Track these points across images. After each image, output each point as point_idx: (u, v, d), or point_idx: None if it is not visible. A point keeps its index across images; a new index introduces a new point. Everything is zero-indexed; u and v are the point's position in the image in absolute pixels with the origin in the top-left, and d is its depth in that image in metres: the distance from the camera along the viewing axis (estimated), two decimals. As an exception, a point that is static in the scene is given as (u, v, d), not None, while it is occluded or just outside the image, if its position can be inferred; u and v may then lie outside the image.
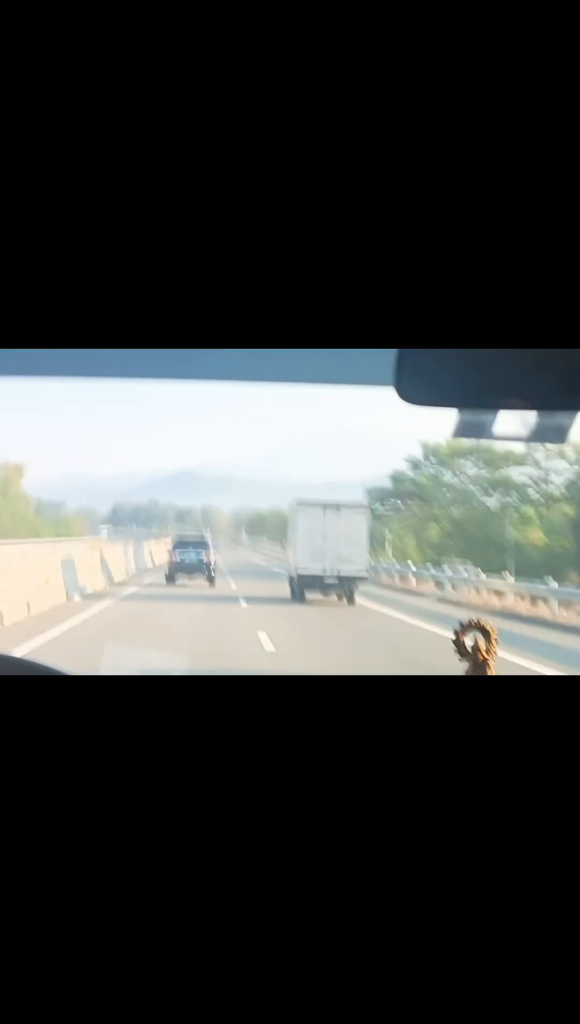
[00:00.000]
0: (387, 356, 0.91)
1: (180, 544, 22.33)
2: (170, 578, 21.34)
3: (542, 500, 26.59)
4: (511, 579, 19.58)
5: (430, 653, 9.90)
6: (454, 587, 20.72)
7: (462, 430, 1.02)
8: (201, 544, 22.36)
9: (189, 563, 21.43)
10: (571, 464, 25.96)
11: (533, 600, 17.61)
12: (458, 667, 1.41)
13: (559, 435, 1.03)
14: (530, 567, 21.50)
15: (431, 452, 28.75)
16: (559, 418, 1.01)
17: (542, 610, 16.70)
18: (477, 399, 0.96)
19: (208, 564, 21.32)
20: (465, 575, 21.53)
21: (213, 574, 21.22)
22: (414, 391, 0.93)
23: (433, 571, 22.90)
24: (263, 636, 12.47)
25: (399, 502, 30.19)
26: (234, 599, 18.75)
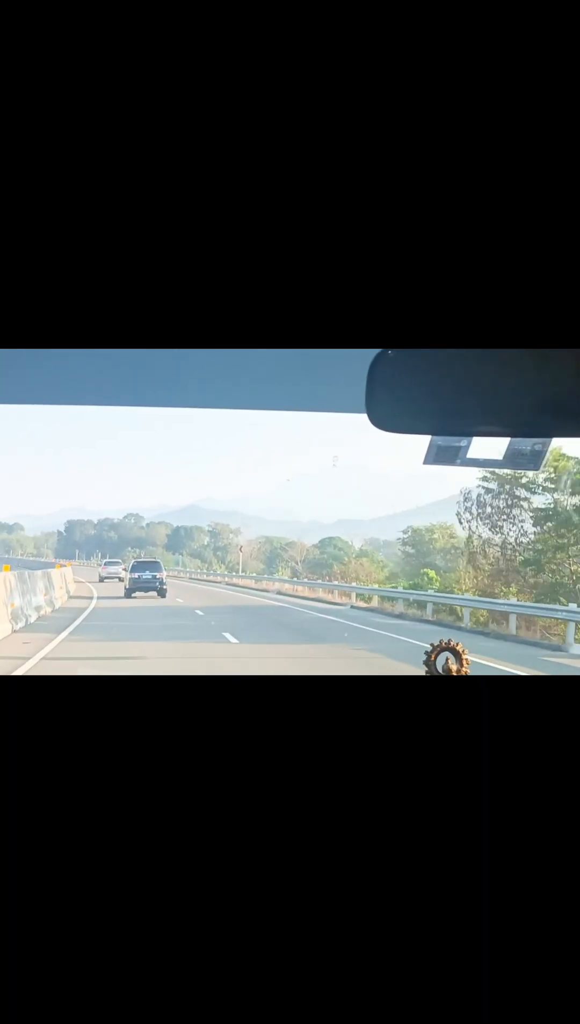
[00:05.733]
0: (360, 383, 0.89)
1: (137, 567, 27.32)
2: (128, 593, 25.69)
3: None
4: None
5: None
6: None
7: (435, 456, 1.00)
8: (155, 567, 27.19)
9: (144, 581, 26.07)
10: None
11: None
12: None
13: (534, 461, 1.01)
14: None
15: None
16: (534, 444, 0.99)
17: None
18: (451, 426, 0.94)
19: (161, 581, 26.08)
20: None
21: (164, 588, 25.91)
22: (387, 417, 0.91)
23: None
24: None
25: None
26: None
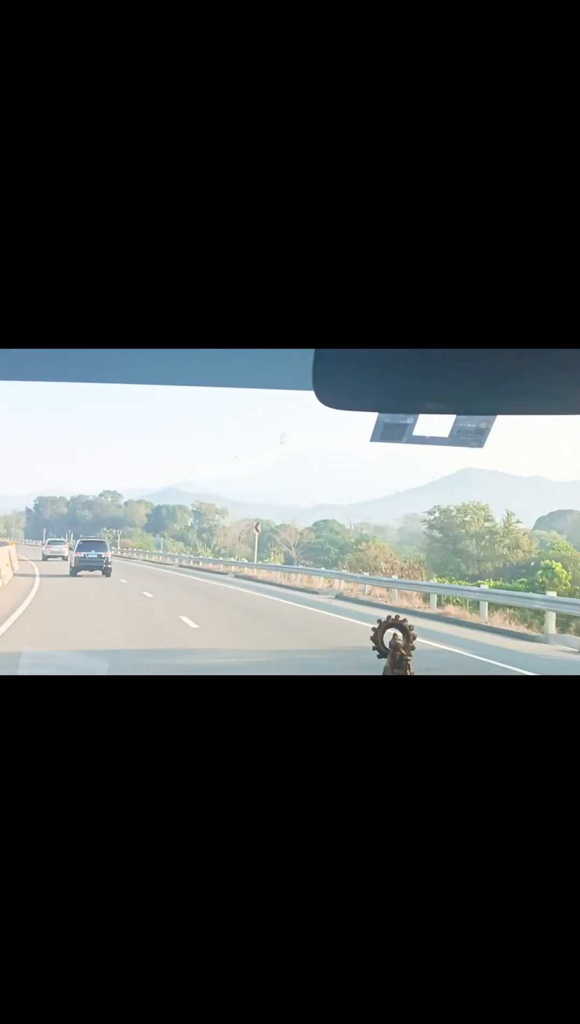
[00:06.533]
0: (307, 359, 0.90)
1: (83, 547, 26.84)
2: (74, 572, 25.11)
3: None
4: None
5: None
6: None
7: (382, 434, 1.01)
8: (100, 547, 26.72)
9: (90, 560, 25.50)
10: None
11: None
12: None
13: (478, 438, 1.02)
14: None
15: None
16: (478, 422, 1.00)
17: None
18: (396, 403, 0.94)
19: (106, 560, 25.58)
20: None
21: (109, 567, 25.28)
22: (333, 395, 0.92)
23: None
24: None
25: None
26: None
